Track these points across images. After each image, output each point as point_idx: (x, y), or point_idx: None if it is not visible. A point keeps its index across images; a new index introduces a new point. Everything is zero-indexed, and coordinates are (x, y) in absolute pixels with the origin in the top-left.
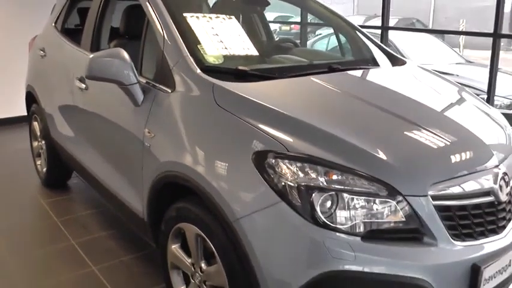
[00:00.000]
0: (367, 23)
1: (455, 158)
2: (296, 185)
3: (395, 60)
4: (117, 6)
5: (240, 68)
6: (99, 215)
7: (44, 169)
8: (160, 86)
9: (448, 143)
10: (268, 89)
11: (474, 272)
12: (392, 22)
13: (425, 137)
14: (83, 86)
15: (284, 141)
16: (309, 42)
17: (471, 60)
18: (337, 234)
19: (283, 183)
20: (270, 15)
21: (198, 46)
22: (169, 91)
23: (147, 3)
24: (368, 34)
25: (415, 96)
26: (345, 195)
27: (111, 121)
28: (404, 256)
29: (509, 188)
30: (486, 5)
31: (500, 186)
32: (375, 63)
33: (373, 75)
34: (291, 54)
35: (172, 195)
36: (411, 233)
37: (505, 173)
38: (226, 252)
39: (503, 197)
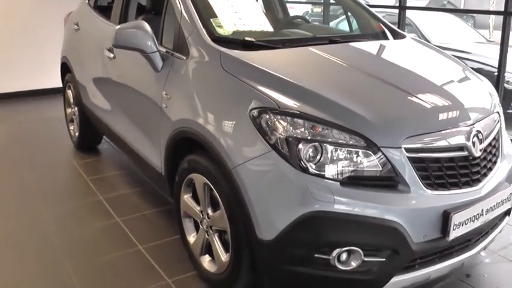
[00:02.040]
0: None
1: (429, 116)
2: (285, 136)
3: (396, 34)
4: None
5: (247, 38)
6: (126, 175)
7: (77, 133)
8: (177, 54)
9: (424, 103)
10: (267, 57)
11: (445, 217)
12: (423, 3)
13: (404, 97)
14: (111, 55)
15: (276, 100)
16: (334, 22)
17: (492, 40)
18: (319, 179)
19: (274, 135)
20: None
21: (211, 19)
22: (184, 58)
23: None
24: (373, 12)
25: (404, 64)
26: (327, 145)
27: (135, 86)
28: (379, 200)
29: (483, 145)
30: None
31: (474, 143)
32: (376, 37)
33: (370, 47)
34: (300, 29)
35: (185, 150)
36: (386, 180)
37: (478, 131)
38: (227, 198)
39: (477, 153)
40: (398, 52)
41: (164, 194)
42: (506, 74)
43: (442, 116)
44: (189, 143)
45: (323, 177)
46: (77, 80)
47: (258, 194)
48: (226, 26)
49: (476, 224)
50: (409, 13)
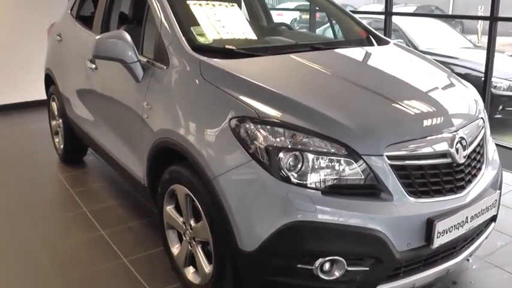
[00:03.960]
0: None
1: (411, 123)
2: (265, 145)
3: (380, 41)
4: None
5: (227, 46)
6: (111, 187)
7: (62, 146)
8: (158, 63)
9: (407, 110)
10: (248, 65)
11: (428, 225)
12: (411, 10)
13: (386, 104)
14: (93, 66)
15: (256, 108)
16: (321, 29)
17: (479, 45)
18: (300, 188)
19: (254, 145)
20: (291, 4)
21: (192, 27)
22: (165, 67)
23: None
24: (357, 18)
25: (386, 70)
26: (308, 154)
27: (116, 96)
28: (361, 209)
29: (467, 151)
30: None
31: (457, 150)
32: (359, 44)
33: (352, 53)
34: (283, 36)
35: (167, 160)
36: (369, 189)
37: (462, 138)
38: (209, 208)
39: (460, 160)
40: (381, 58)
41: (149, 205)
42: (493, 79)
43: (425, 123)
44: (171, 154)
45: (304, 186)
46: (61, 91)
47: (239, 204)
48: (208, 34)
49: (461, 231)
50: (396, 19)
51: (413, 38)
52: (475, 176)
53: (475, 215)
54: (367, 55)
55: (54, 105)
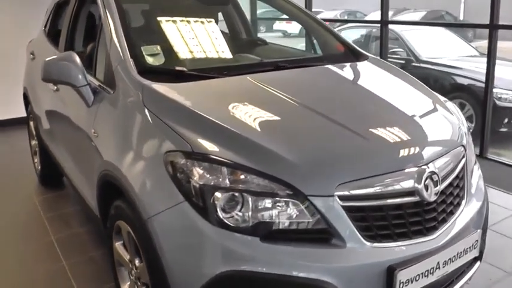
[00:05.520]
0: (396, 17)
1: (368, 157)
2: (199, 185)
3: (358, 56)
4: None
5: (177, 68)
6: (83, 210)
7: (39, 167)
8: (106, 87)
9: (365, 141)
10: (194, 89)
11: (389, 274)
12: (419, 15)
13: (341, 135)
14: (55, 87)
15: (192, 142)
16: None
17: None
18: (236, 234)
19: (188, 183)
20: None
21: (144, 47)
22: (112, 92)
23: (102, 5)
24: (334, 31)
25: (351, 93)
26: (246, 195)
27: (73, 120)
28: (308, 258)
29: (439, 187)
30: None
31: (426, 186)
32: (332, 61)
33: (317, 73)
34: (253, 53)
35: (114, 194)
36: (317, 233)
37: (432, 172)
38: (146, 250)
39: (431, 197)
40: (351, 79)
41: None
42: (497, 90)
43: (386, 157)
44: (115, 186)
45: (242, 231)
46: (35, 111)
47: (172, 249)
48: (161, 54)
49: (431, 279)
50: (397, 27)
51: (414, 47)
52: (451, 213)
53: (450, 259)
54: (334, 75)
55: (32, 124)
